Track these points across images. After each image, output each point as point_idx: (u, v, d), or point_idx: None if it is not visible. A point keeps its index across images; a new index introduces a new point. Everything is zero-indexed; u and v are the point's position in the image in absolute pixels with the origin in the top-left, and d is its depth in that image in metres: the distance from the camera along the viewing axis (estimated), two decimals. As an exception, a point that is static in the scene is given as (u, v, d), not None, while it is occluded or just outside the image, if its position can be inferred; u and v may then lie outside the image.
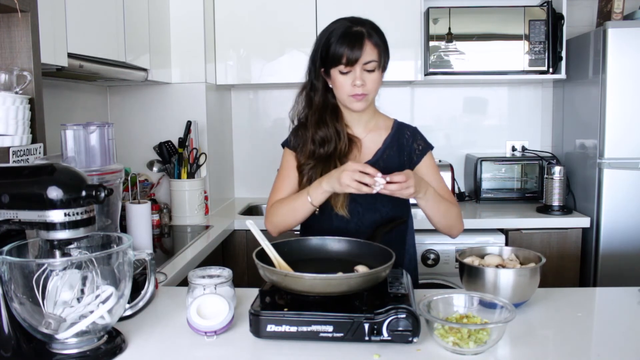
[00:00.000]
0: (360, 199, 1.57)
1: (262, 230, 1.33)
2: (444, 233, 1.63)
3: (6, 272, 1.02)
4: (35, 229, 1.04)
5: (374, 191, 1.37)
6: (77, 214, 1.03)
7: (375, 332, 1.11)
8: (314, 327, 1.12)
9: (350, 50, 1.46)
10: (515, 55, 2.79)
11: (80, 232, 1.05)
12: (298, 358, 1.10)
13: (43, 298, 1.03)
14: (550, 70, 2.81)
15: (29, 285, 1.02)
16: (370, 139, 1.63)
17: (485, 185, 2.98)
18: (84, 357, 1.07)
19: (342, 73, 1.50)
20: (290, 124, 1.65)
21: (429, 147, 1.66)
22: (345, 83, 1.50)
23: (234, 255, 2.59)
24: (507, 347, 1.13)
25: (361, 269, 1.28)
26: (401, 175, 1.37)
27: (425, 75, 2.83)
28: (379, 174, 1.36)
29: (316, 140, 1.57)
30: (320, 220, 1.60)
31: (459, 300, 1.22)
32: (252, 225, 1.33)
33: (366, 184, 1.37)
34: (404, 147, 1.63)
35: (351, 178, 1.37)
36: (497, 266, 1.35)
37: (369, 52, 1.48)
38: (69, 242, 1.07)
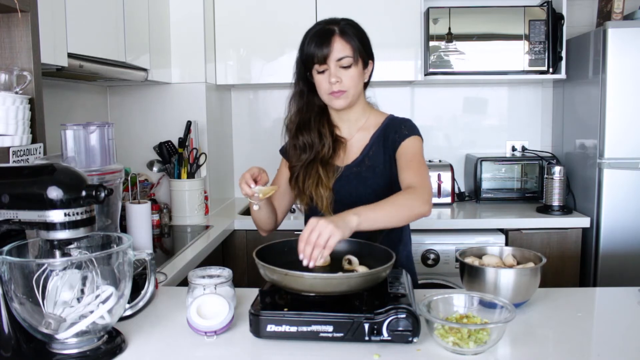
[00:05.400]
0: (346, 199, 1.56)
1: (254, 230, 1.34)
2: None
3: (6, 272, 1.02)
4: (35, 229, 1.04)
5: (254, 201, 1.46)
6: (77, 214, 1.03)
7: (375, 332, 1.11)
8: (314, 327, 1.12)
9: (319, 48, 1.47)
10: (515, 55, 2.79)
11: (80, 232, 1.05)
12: (298, 358, 1.10)
13: (43, 298, 1.03)
14: (550, 70, 2.81)
15: (29, 285, 1.02)
16: (359, 137, 1.62)
17: (485, 185, 2.98)
18: (84, 357, 1.07)
19: (319, 72, 1.51)
20: (284, 129, 1.66)
21: (413, 134, 1.54)
22: (323, 82, 1.51)
23: (234, 255, 2.59)
24: (507, 347, 1.13)
25: (357, 264, 1.28)
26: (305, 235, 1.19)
27: (425, 75, 2.83)
28: (253, 186, 1.42)
29: (298, 145, 1.59)
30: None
31: (459, 300, 1.22)
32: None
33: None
34: (388, 139, 1.57)
35: (242, 176, 1.44)
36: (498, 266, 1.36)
37: (340, 48, 1.48)
38: (69, 242, 1.07)
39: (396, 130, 1.57)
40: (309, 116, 1.59)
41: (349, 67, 1.49)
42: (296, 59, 1.57)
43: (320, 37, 1.49)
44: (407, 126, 1.57)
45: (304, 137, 1.58)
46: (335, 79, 1.48)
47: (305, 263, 1.16)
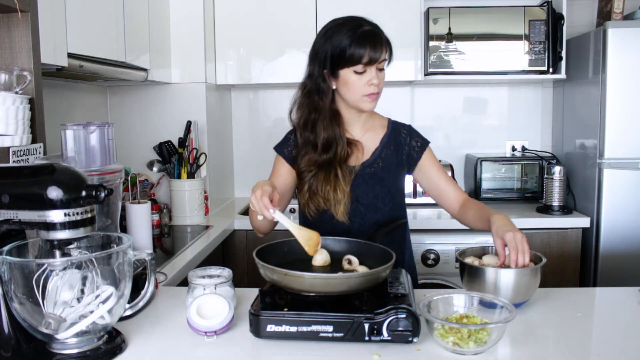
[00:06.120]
0: (361, 198, 1.57)
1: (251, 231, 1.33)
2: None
3: (6, 272, 1.02)
4: (35, 229, 1.04)
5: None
6: (77, 214, 1.03)
7: (375, 332, 1.11)
8: (314, 327, 1.12)
9: (373, 50, 1.46)
10: (515, 55, 2.79)
11: (80, 232, 1.05)
12: (298, 358, 1.10)
13: (43, 298, 1.03)
14: (550, 70, 2.81)
15: (29, 285, 1.02)
16: (368, 138, 1.62)
17: (485, 185, 2.98)
18: (84, 357, 1.07)
19: (357, 73, 1.48)
20: (298, 126, 1.60)
21: (427, 142, 1.67)
22: (359, 83, 1.48)
23: (234, 255, 2.59)
24: (507, 347, 1.13)
25: (357, 264, 1.28)
26: (520, 253, 1.32)
27: (425, 75, 2.83)
28: (271, 210, 1.29)
29: (322, 145, 1.54)
30: (322, 224, 1.59)
31: (459, 300, 1.22)
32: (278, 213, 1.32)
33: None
34: (402, 146, 1.63)
35: (255, 198, 1.30)
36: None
37: (384, 52, 1.49)
38: (69, 242, 1.07)
39: (411, 138, 1.65)
40: (327, 116, 1.55)
41: (382, 69, 1.51)
42: (318, 56, 1.52)
43: (371, 38, 1.47)
44: (417, 135, 1.67)
45: (328, 135, 1.54)
46: (377, 81, 1.49)
47: (514, 266, 1.31)
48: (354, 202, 1.57)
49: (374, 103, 1.54)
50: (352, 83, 1.49)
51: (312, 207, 1.57)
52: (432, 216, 2.70)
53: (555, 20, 2.77)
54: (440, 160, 3.10)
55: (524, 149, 3.15)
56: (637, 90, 2.49)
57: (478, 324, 1.11)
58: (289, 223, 1.33)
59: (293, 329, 1.12)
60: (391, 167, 1.61)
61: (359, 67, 1.47)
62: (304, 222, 1.66)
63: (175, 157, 2.60)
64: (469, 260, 1.38)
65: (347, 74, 1.49)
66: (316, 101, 1.55)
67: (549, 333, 1.23)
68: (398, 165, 1.62)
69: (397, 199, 1.64)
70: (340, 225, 1.56)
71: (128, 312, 1.16)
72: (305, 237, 1.33)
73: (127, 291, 1.12)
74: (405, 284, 1.25)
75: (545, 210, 2.71)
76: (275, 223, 1.63)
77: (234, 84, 2.90)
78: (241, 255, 2.58)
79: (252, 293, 1.29)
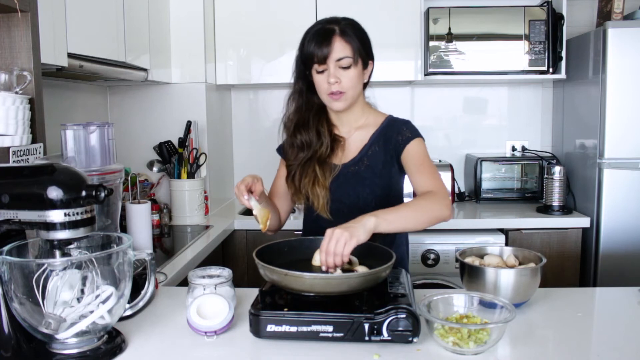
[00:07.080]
0: (344, 198, 1.57)
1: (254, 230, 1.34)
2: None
3: (6, 272, 1.02)
4: (35, 229, 1.04)
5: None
6: (77, 214, 1.03)
7: (375, 332, 1.11)
8: (314, 327, 1.12)
9: (319, 48, 1.46)
10: (515, 55, 2.79)
11: (80, 232, 1.05)
12: (298, 358, 1.10)
13: (43, 298, 1.03)
14: (550, 70, 2.81)
15: (29, 285, 1.02)
16: (357, 136, 1.61)
17: (485, 185, 2.98)
18: (84, 357, 1.07)
19: (318, 72, 1.50)
20: (282, 127, 1.65)
21: (416, 136, 1.55)
22: (322, 82, 1.50)
23: (234, 255, 2.59)
24: (507, 347, 1.13)
25: (357, 264, 1.28)
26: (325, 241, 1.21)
27: (425, 75, 2.83)
28: (246, 197, 1.42)
29: (295, 143, 1.58)
30: (308, 221, 1.62)
31: (459, 300, 1.22)
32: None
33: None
34: (390, 141, 1.56)
35: (236, 187, 1.44)
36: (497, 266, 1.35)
37: (340, 49, 1.47)
38: (69, 242, 1.07)
39: (398, 132, 1.56)
40: (308, 115, 1.58)
41: (348, 67, 1.48)
42: (296, 57, 1.56)
43: (320, 36, 1.47)
44: (409, 128, 1.58)
45: (302, 136, 1.57)
46: (334, 80, 1.47)
47: (324, 269, 1.22)
48: (336, 202, 1.57)
49: (340, 104, 1.52)
50: (317, 83, 1.52)
51: (296, 199, 1.62)
52: (432, 216, 2.70)
53: (555, 20, 2.77)
54: (440, 161, 3.09)
55: (524, 149, 3.15)
56: (637, 90, 2.50)
57: (478, 324, 1.11)
58: (256, 207, 1.44)
59: (293, 329, 1.12)
60: (377, 166, 1.56)
61: (316, 66, 1.49)
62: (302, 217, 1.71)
63: (175, 157, 2.60)
64: (469, 260, 1.38)
65: (313, 73, 1.52)
66: (297, 101, 1.59)
67: (549, 333, 1.23)
68: (386, 163, 1.56)
69: (385, 199, 1.57)
70: (323, 222, 1.55)
71: (128, 312, 1.16)
72: (260, 215, 1.42)
73: (127, 291, 1.12)
74: (405, 284, 1.25)
75: (545, 210, 2.71)
76: (279, 221, 1.67)
77: (234, 84, 2.90)
78: (241, 255, 2.58)
79: (252, 293, 1.29)
